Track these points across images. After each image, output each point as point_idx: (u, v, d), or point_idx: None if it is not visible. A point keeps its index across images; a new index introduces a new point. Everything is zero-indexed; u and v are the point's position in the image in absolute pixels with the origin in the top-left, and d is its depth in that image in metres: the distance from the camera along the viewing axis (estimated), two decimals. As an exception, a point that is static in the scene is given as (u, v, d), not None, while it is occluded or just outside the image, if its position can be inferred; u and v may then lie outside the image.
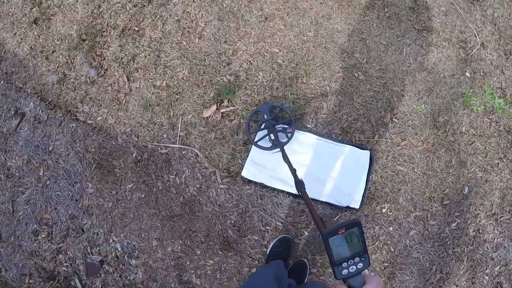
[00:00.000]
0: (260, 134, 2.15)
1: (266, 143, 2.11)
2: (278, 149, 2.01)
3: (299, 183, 1.71)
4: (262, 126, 2.16)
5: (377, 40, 2.40)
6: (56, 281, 2.18)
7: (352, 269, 0.85)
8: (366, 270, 0.89)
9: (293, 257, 2.13)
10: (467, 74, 2.38)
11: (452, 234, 2.17)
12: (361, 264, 0.86)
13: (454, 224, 2.18)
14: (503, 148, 2.29)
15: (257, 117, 2.22)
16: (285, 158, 1.90)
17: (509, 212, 2.22)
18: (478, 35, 2.46)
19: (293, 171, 1.80)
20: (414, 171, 2.22)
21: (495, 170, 2.26)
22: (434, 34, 2.44)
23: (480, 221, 2.20)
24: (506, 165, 2.27)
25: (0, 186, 2.26)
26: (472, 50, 2.43)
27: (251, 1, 2.43)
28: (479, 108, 2.33)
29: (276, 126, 2.11)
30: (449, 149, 2.26)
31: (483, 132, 2.30)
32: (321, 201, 2.14)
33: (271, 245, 2.10)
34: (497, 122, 2.32)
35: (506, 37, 2.49)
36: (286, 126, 2.14)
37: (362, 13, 2.44)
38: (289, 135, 2.13)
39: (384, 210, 2.16)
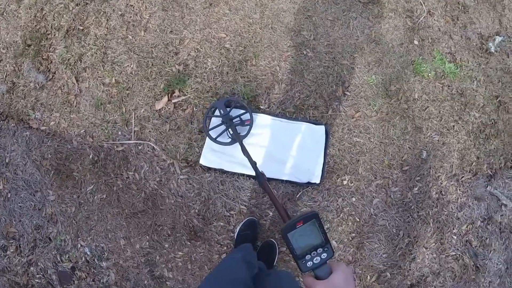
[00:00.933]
0: (218, 130, 2.14)
1: (225, 138, 2.11)
2: (231, 147, 2.02)
3: (260, 176, 1.71)
4: (220, 122, 2.15)
5: (323, 16, 2.40)
6: (30, 293, 2.15)
7: (317, 260, 0.85)
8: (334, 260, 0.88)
9: (261, 238, 2.14)
10: (416, 42, 2.41)
11: (415, 199, 2.20)
12: (324, 254, 0.85)
13: (416, 189, 2.21)
14: (457, 110, 2.32)
15: (214, 113, 2.22)
16: (245, 151, 1.89)
17: (469, 172, 2.26)
18: (424, 3, 2.48)
19: (253, 164, 1.80)
20: (371, 141, 2.24)
21: (451, 132, 2.29)
22: (380, 6, 2.45)
23: (441, 183, 2.23)
24: (462, 126, 2.30)
25: (-41, 204, 2.22)
26: (419, 19, 2.45)
27: (194, -11, 2.42)
28: (430, 74, 2.35)
29: (233, 120, 2.10)
30: (403, 116, 2.28)
31: (436, 96, 2.33)
32: (282, 180, 2.15)
33: (237, 229, 2.11)
34: (449, 86, 2.35)
35: (453, 3, 2.51)
36: (244, 119, 2.13)
37: (306, -10, 2.45)
38: (247, 127, 2.12)
39: (345, 182, 2.18)
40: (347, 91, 2.29)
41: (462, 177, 2.25)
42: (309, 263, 0.85)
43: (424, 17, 2.46)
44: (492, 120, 2.32)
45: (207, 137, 2.14)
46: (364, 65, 2.33)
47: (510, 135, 2.31)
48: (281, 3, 2.41)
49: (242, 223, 2.11)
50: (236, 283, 1.41)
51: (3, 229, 2.20)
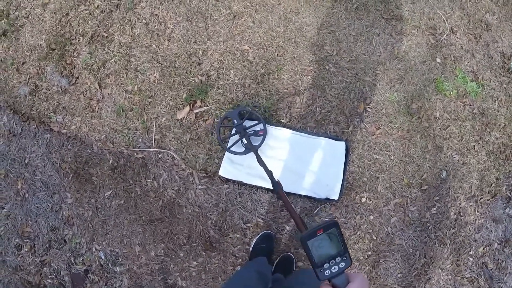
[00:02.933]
0: (232, 139, 2.15)
1: (239, 148, 2.11)
2: (250, 158, 2.01)
3: (276, 185, 1.71)
4: (233, 131, 2.15)
5: (346, 31, 2.41)
6: (42, 293, 2.16)
7: (335, 269, 0.85)
8: (351, 269, 0.88)
9: (277, 252, 2.13)
10: (438, 60, 2.40)
11: (433, 219, 2.18)
12: (343, 263, 0.85)
13: (434, 209, 2.19)
14: (478, 130, 2.31)
15: (228, 123, 2.23)
16: (260, 161, 1.90)
17: (488, 193, 2.24)
18: (447, 21, 2.47)
19: (269, 173, 1.80)
20: (391, 159, 2.23)
21: (471, 152, 2.28)
22: (403, 22, 2.45)
23: (460, 204, 2.22)
24: (483, 147, 2.29)
25: (-22, 202, 2.24)
26: (441, 36, 2.44)
27: (219, 0, 2.43)
28: (451, 93, 2.34)
29: (247, 130, 2.11)
30: (424, 135, 2.27)
31: (457, 116, 2.32)
32: (300, 195, 2.14)
33: (253, 242, 2.10)
34: (470, 105, 2.34)
35: (475, 21, 2.50)
36: (257, 129, 2.14)
37: (330, 5, 2.45)
38: (261, 137, 2.12)
39: (363, 200, 2.17)
40: (369, 107, 2.29)
41: (481, 198, 2.23)
42: (327, 272, 0.85)
43: (446, 35, 2.46)
44: (513, 143, 2.31)
45: (220, 146, 2.15)
46: (386, 82, 2.33)
47: (530, 157, 2.29)
48: (304, 17, 2.42)
49: (258, 236, 2.11)
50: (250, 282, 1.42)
51: (19, 228, 2.22)
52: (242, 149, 2.10)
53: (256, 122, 2.15)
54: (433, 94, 2.34)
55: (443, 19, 2.47)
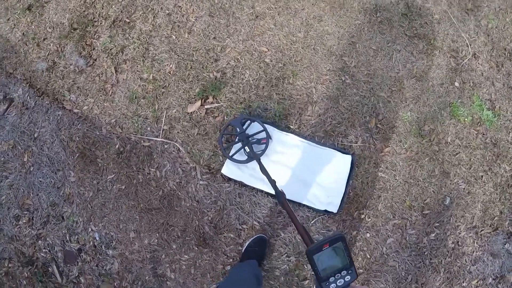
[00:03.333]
0: (235, 147, 2.15)
1: (241, 156, 2.11)
2: (254, 161, 2.01)
3: (279, 194, 1.70)
4: (236, 139, 2.15)
5: (367, 44, 2.38)
6: (35, 266, 2.19)
7: (340, 282, 0.85)
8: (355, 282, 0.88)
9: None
10: (456, 84, 2.36)
11: (430, 245, 2.15)
12: (348, 276, 0.85)
13: (433, 235, 2.16)
14: (488, 160, 2.27)
15: (231, 131, 2.24)
16: (263, 169, 1.89)
17: (490, 226, 2.20)
18: (470, 45, 2.43)
19: (273, 183, 1.79)
20: (396, 179, 2.20)
21: (478, 182, 2.23)
22: (425, 41, 2.41)
23: (460, 233, 2.18)
24: (491, 178, 2.24)
25: (-16, 170, 2.29)
26: (463, 60, 2.40)
27: (243, -1, 2.44)
28: (466, 119, 2.30)
29: (250, 138, 2.10)
30: (432, 159, 2.24)
31: (469, 143, 2.28)
32: (300, 203, 2.13)
33: (246, 244, 2.10)
34: (484, 134, 2.30)
35: (499, 49, 2.45)
36: (260, 137, 2.13)
37: (354, 16, 2.43)
38: (264, 146, 2.12)
39: (362, 216, 2.15)
40: (380, 124, 2.27)
41: (481, 230, 2.19)
42: (333, 285, 0.85)
43: (468, 59, 2.41)
44: (523, 177, 2.26)
45: (223, 154, 2.16)
46: (401, 100, 2.30)
47: (539, 195, 2.24)
48: (327, 25, 2.40)
49: (252, 238, 2.11)
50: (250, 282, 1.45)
51: (20, 199, 2.26)
52: (245, 157, 2.10)
53: (260, 130, 2.15)
54: (447, 118, 2.30)
55: (467, 43, 2.43)
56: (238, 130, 2.12)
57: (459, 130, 2.29)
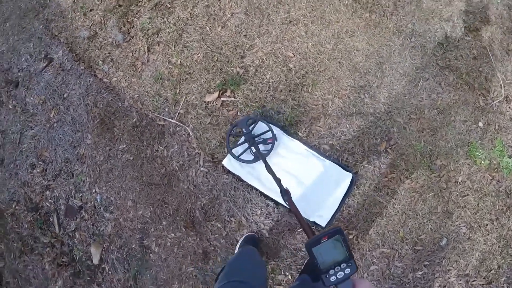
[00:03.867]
0: (242, 147, 2.19)
1: (248, 156, 2.16)
2: (261, 161, 2.04)
3: (284, 192, 1.72)
4: (242, 140, 2.20)
5: (394, 67, 2.34)
6: (38, 213, 2.37)
7: (340, 275, 0.87)
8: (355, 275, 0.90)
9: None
10: (480, 124, 2.25)
11: (415, 282, 2.07)
12: (348, 269, 0.87)
13: (420, 273, 2.08)
14: (497, 210, 2.14)
15: (237, 132, 2.28)
16: (269, 169, 1.91)
17: (484, 278, 2.07)
18: (504, 87, 2.31)
19: (278, 181, 1.81)
20: (394, 207, 2.14)
21: (482, 230, 2.12)
22: (457, 74, 2.33)
23: (449, 278, 2.08)
24: (496, 228, 2.12)
25: (15, 118, 2.52)
26: (493, 101, 2.29)
27: (281, 2, 2.48)
28: (483, 162, 2.19)
29: (256, 138, 2.14)
30: (438, 195, 2.15)
31: (480, 187, 2.17)
32: (290, 210, 2.14)
33: (238, 244, 2.12)
34: (498, 182, 2.18)
35: (536, 97, 2.32)
36: (266, 137, 2.16)
37: (387, 37, 2.39)
38: (270, 146, 2.15)
39: (350, 236, 2.12)
40: (390, 148, 2.22)
41: (473, 281, 2.07)
42: (333, 278, 0.86)
43: (499, 101, 2.30)
44: (533, 236, 2.11)
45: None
46: (417, 129, 2.24)
47: (547, 258, 2.09)
48: (357, 41, 2.39)
49: (243, 237, 2.12)
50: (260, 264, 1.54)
51: (39, 150, 2.45)
52: (252, 157, 2.14)
53: (266, 130, 2.18)
54: (463, 157, 2.20)
55: (501, 84, 2.31)
56: (244, 130, 2.17)
57: (472, 172, 2.19)
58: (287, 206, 2.12)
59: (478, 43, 2.38)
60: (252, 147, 2.13)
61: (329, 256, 0.87)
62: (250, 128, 2.18)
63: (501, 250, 2.09)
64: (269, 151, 2.14)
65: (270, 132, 2.16)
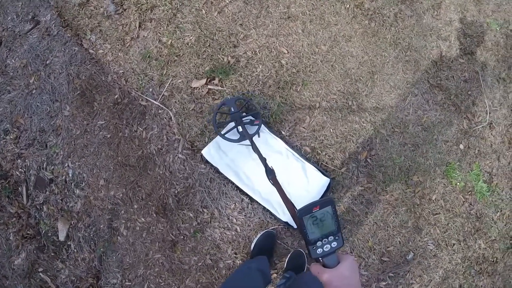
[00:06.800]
0: (228, 126, 2.16)
1: (234, 135, 2.12)
2: (247, 140, 2.01)
3: (269, 171, 1.71)
4: (229, 119, 2.16)
5: (385, 78, 2.33)
6: (7, 181, 2.29)
7: (327, 248, 0.86)
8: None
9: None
10: (461, 146, 2.28)
11: (378, 292, 2.11)
12: (335, 243, 0.87)
13: (384, 283, 2.11)
14: (466, 231, 2.19)
15: (225, 110, 2.24)
16: (255, 148, 1.89)
17: (445, 295, 2.13)
18: (489, 113, 2.34)
19: (263, 160, 1.80)
20: (366, 217, 2.16)
21: (448, 249, 2.16)
22: (445, 94, 2.34)
23: (411, 292, 2.12)
24: (462, 249, 2.17)
25: (-8, 80, 2.40)
26: (477, 125, 2.32)
27: (282, -3, 2.43)
28: (458, 184, 2.23)
29: (243, 118, 2.11)
30: (410, 210, 2.18)
31: (452, 208, 2.20)
32: (264, 207, 2.13)
33: (255, 241, 2.09)
34: (471, 204, 2.22)
35: (518, 138, 2.36)
36: (253, 118, 2.14)
37: (383, 47, 2.38)
38: (257, 127, 2.12)
39: (320, 241, 2.12)
40: (370, 158, 2.22)
41: (435, 297, 2.12)
42: (319, 250, 0.86)
43: (482, 126, 2.33)
44: (495, 259, 2.17)
45: (215, 131, 2.17)
46: (399, 143, 2.25)
47: (504, 280, 2.14)
48: (353, 47, 2.37)
49: (260, 234, 2.10)
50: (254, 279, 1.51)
51: (14, 116, 2.35)
52: (237, 137, 2.10)
53: (253, 112, 2.15)
54: (439, 176, 2.23)
55: (487, 110, 2.34)
56: (232, 109, 2.13)
57: (447, 192, 2.22)
58: (261, 203, 2.12)
59: (471, 66, 2.40)
60: (239, 127, 2.10)
61: (318, 227, 0.87)
62: (238, 108, 2.14)
63: (464, 270, 2.14)
64: (255, 132, 2.11)
65: (258, 113, 2.13)
